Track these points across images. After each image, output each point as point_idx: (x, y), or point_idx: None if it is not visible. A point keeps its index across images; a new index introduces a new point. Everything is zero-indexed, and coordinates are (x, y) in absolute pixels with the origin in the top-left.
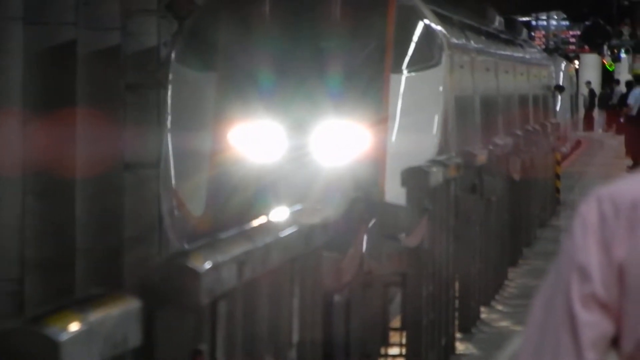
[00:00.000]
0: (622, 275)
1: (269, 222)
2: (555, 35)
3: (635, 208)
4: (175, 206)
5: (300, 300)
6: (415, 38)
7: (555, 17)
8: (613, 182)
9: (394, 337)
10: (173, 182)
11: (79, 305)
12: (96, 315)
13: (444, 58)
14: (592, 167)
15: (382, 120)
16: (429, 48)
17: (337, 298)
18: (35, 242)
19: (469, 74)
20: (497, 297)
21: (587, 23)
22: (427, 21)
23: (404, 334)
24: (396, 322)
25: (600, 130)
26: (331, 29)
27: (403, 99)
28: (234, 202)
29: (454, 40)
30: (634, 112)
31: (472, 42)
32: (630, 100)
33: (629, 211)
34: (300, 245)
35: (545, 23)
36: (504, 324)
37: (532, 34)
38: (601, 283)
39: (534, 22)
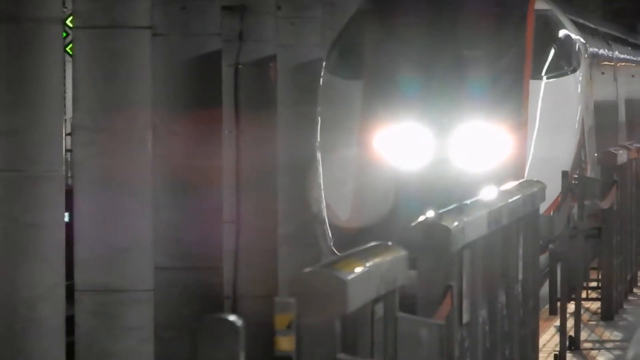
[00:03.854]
0: None
1: (501, 191)
2: None
3: None
4: (323, 209)
5: (523, 248)
6: (553, 46)
7: None
8: None
9: (593, 274)
10: (322, 186)
11: (361, 254)
12: (373, 261)
13: (582, 65)
14: None
15: (522, 123)
16: (567, 55)
17: (551, 246)
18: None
19: (610, 80)
20: None
21: None
22: (565, 30)
23: (600, 272)
24: (594, 264)
25: None
26: (473, 37)
27: (542, 103)
28: (380, 207)
29: (594, 49)
30: None
31: (616, 51)
32: None
33: None
34: (523, 208)
35: None
36: None
37: None
38: None
39: None
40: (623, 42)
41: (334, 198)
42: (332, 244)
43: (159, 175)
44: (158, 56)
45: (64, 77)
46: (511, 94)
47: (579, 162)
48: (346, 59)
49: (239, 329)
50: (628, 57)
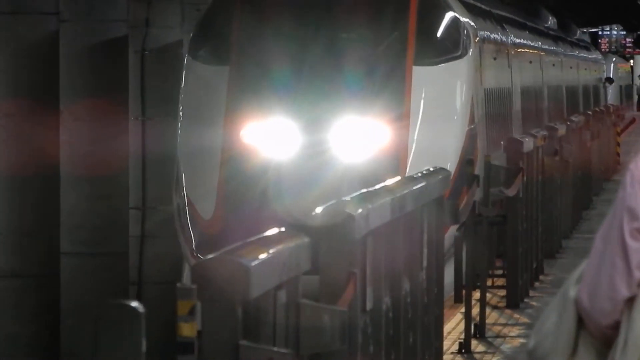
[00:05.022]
0: None
1: (405, 178)
2: (616, 41)
3: None
4: (184, 206)
5: (427, 235)
6: (439, 29)
7: (616, 28)
8: None
9: (498, 262)
10: (183, 181)
11: (263, 241)
12: (276, 247)
13: (471, 50)
14: None
15: (403, 114)
16: (454, 39)
17: (456, 234)
18: None
19: (505, 66)
20: (574, 232)
21: (638, 32)
22: (452, 11)
23: (505, 260)
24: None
25: None
26: (350, 20)
27: (426, 92)
28: (247, 203)
29: (486, 32)
30: None
31: (512, 35)
32: None
33: None
34: (429, 194)
35: (608, 32)
36: (578, 251)
37: (599, 40)
38: None
39: (600, 32)
40: (521, 26)
41: (196, 195)
42: (194, 246)
43: (65, 161)
44: (64, 42)
45: None
46: (392, 82)
47: (468, 153)
48: (210, 43)
49: (140, 315)
50: (525, 42)
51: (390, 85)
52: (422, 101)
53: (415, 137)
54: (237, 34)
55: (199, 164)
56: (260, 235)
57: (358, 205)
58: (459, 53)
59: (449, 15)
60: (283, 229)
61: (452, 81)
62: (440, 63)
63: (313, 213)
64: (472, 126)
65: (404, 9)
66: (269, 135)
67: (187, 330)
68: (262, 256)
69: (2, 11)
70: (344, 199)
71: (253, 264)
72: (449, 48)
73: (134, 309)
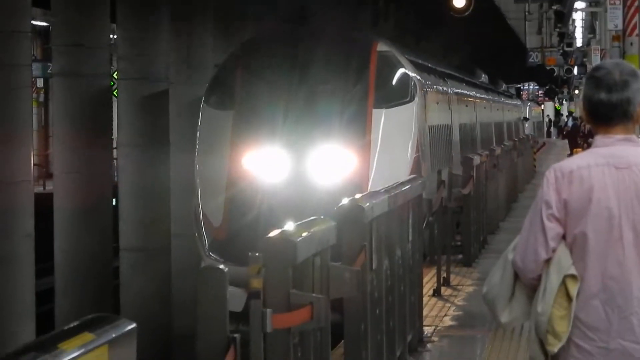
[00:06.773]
0: (566, 205)
1: (398, 183)
2: (532, 93)
3: (571, 173)
4: (200, 217)
5: (412, 219)
6: (392, 81)
7: (532, 84)
8: (560, 161)
9: (457, 237)
10: (199, 198)
11: (305, 224)
12: (313, 229)
13: (417, 96)
14: (551, 155)
15: (365, 145)
16: (404, 88)
17: (430, 218)
18: None
19: (445, 108)
20: (507, 217)
21: (547, 87)
22: (403, 68)
23: (462, 235)
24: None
25: (554, 138)
26: (325, 75)
27: (382, 128)
28: (248, 215)
29: (430, 83)
30: (570, 129)
31: (452, 87)
32: (569, 123)
33: (568, 175)
34: (412, 194)
35: (527, 87)
36: (510, 230)
37: (521, 92)
38: (556, 209)
39: (522, 87)
40: (459, 80)
41: (208, 208)
42: (207, 249)
43: (174, 178)
44: (173, 98)
45: (112, 112)
46: (357, 121)
47: (415, 174)
48: (220, 94)
49: (224, 274)
50: (462, 91)
51: (355, 124)
52: (379, 135)
53: (375, 163)
54: (239, 87)
55: (210, 185)
56: (304, 221)
57: (366, 201)
58: (408, 99)
59: (400, 71)
60: (317, 217)
61: (403, 120)
62: (393, 107)
63: (338, 206)
64: (418, 154)
65: (366, 68)
66: (263, 162)
67: (256, 283)
68: (304, 234)
69: (132, 77)
70: (357, 196)
71: (298, 239)
72: (400, 95)
73: (220, 270)
